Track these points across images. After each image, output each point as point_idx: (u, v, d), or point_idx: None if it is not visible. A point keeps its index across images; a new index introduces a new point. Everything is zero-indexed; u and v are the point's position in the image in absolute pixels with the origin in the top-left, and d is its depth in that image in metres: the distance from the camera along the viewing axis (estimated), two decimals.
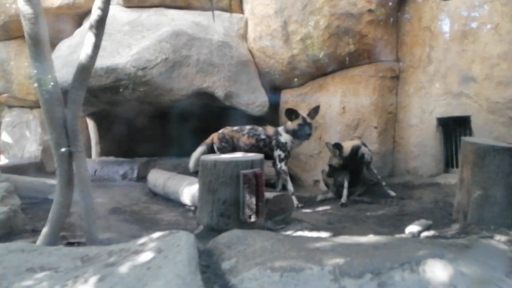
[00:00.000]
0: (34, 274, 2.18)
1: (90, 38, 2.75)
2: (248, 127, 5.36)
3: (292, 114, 5.06)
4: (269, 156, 5.33)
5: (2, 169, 4.56)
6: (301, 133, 5.01)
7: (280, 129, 5.24)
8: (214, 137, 5.37)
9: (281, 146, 5.13)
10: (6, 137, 7.64)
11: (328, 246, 2.23)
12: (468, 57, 4.68)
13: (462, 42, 4.75)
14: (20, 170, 5.36)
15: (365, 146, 5.06)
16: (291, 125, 5.07)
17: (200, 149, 5.32)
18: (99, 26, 2.75)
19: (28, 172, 5.65)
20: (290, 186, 5.14)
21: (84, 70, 2.80)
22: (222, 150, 5.15)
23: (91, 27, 2.74)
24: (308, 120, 5.05)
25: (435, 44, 5.12)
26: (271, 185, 5.56)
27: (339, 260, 1.98)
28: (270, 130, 5.32)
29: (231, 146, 5.23)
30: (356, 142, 5.07)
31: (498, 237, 2.78)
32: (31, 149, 7.30)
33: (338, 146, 4.85)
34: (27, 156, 7.26)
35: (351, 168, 5.00)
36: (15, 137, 7.51)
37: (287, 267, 1.99)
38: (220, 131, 5.39)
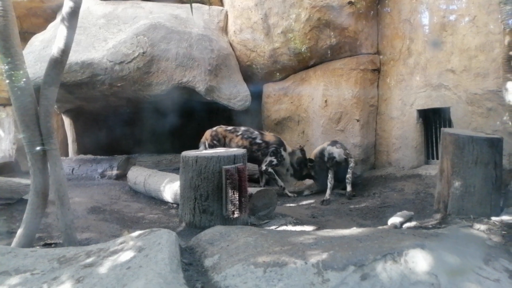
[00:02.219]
0: (8, 278, 2.10)
1: (63, 31, 2.63)
2: (243, 128, 5.36)
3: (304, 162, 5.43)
4: (256, 161, 5.35)
5: None
6: (297, 174, 5.41)
7: (287, 146, 5.39)
8: (207, 134, 5.34)
9: (279, 157, 5.24)
10: None
11: (312, 240, 2.22)
12: (447, 49, 4.73)
13: (441, 34, 4.80)
14: None
15: (339, 147, 5.05)
16: (294, 162, 5.37)
17: (200, 149, 5.26)
18: (72, 19, 2.63)
19: (2, 172, 5.45)
20: (280, 182, 5.24)
21: (57, 64, 2.69)
22: (212, 148, 5.11)
23: (63, 20, 2.63)
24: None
25: (414, 37, 5.16)
26: (254, 181, 5.54)
27: (323, 254, 1.97)
28: (270, 137, 5.37)
29: (222, 145, 5.21)
30: (326, 144, 5.18)
31: (477, 226, 2.83)
32: (5, 148, 7.05)
33: (302, 153, 5.40)
34: (0, 156, 7.00)
35: (326, 167, 5.11)
36: None
37: (270, 262, 1.96)
38: (214, 128, 5.36)
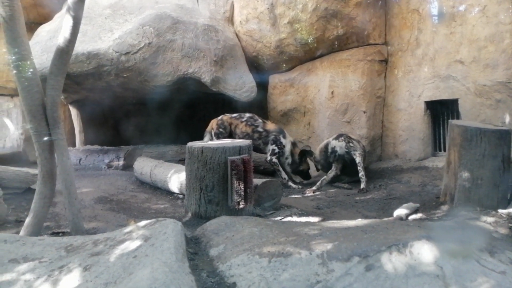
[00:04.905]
0: (17, 265, 2.13)
1: (68, 21, 2.63)
2: (248, 115, 5.39)
3: (305, 155, 5.42)
4: (259, 150, 5.35)
5: None
6: (294, 166, 5.40)
7: (287, 134, 5.37)
8: (213, 123, 5.37)
9: (278, 144, 5.25)
10: None
11: (317, 231, 2.22)
12: (456, 40, 4.66)
13: (450, 25, 4.72)
14: (2, 160, 5.23)
15: (341, 140, 5.03)
16: (295, 153, 5.35)
17: (206, 139, 5.28)
18: (78, 8, 2.63)
19: (10, 161, 5.51)
20: (283, 175, 5.23)
21: (63, 54, 2.69)
22: (218, 136, 5.15)
23: (68, 10, 2.62)
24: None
25: (423, 27, 5.09)
26: (260, 172, 5.54)
27: (327, 244, 1.97)
28: (271, 125, 5.39)
29: (228, 132, 5.25)
30: (331, 138, 5.19)
31: (484, 218, 2.81)
32: (13, 138, 7.12)
33: (308, 152, 5.41)
34: (9, 146, 7.08)
35: (329, 161, 5.15)
36: None
37: (275, 252, 1.97)
38: (219, 117, 5.39)
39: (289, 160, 5.34)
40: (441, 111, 5.12)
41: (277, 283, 1.76)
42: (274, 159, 5.20)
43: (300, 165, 5.39)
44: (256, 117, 5.39)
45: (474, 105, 4.46)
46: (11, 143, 7.11)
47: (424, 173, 4.86)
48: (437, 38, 4.90)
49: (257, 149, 5.32)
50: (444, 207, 3.36)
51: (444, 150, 4.88)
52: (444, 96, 4.84)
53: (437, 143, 5.21)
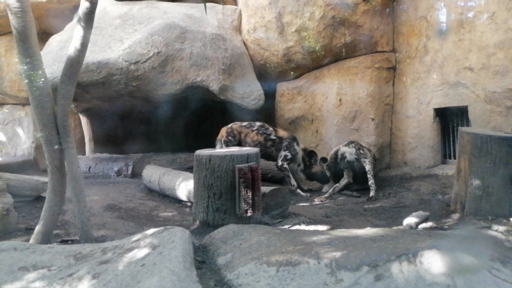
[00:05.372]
0: (26, 273, 2.14)
1: (79, 32, 2.68)
2: (258, 123, 5.41)
3: (312, 157, 5.45)
4: (271, 157, 5.39)
5: None
6: (308, 176, 5.49)
7: (300, 142, 5.46)
8: (223, 131, 5.41)
9: (292, 150, 5.28)
10: None
11: (325, 240, 2.20)
12: (465, 47, 4.63)
13: (458, 32, 4.70)
14: (13, 168, 5.30)
15: (351, 146, 5.06)
16: (305, 159, 5.41)
17: (217, 147, 5.30)
18: (88, 19, 2.68)
19: (21, 170, 5.58)
20: (293, 181, 5.23)
21: (74, 64, 2.74)
22: (227, 144, 5.16)
23: (79, 20, 2.67)
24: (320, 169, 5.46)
25: (431, 34, 5.06)
26: (268, 180, 5.53)
27: (336, 253, 1.95)
28: (283, 132, 5.45)
29: (237, 141, 5.27)
30: (341, 145, 5.22)
31: (495, 227, 2.76)
32: (24, 146, 7.22)
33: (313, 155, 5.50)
34: (20, 154, 7.18)
35: (339, 168, 5.20)
36: (7, 135, 7.42)
37: (283, 261, 1.96)
38: (229, 125, 5.43)
39: (302, 167, 5.39)
40: (450, 118, 5.07)
41: None
42: (286, 165, 5.20)
43: (311, 167, 5.39)
44: (267, 125, 5.42)
45: (484, 112, 4.41)
46: (22, 152, 7.21)
47: (434, 181, 4.81)
48: (445, 45, 4.87)
49: (269, 156, 5.36)
50: (455, 216, 3.32)
51: (454, 158, 4.82)
52: (454, 103, 4.79)
53: (447, 151, 5.15)
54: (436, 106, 5.03)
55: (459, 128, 3.59)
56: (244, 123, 5.41)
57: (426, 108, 5.14)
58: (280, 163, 5.22)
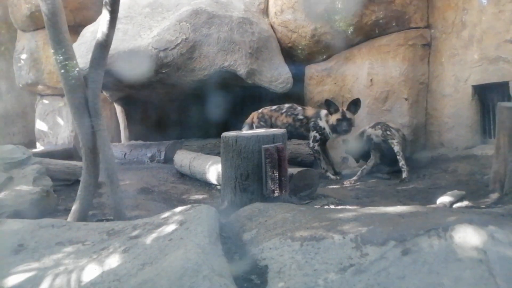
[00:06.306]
0: (63, 247, 2.27)
1: (105, 16, 2.74)
2: (286, 105, 5.33)
3: (330, 107, 4.92)
4: (305, 137, 5.29)
5: (37, 156, 4.74)
6: (339, 129, 4.91)
7: (322, 113, 5.09)
8: (254, 116, 5.40)
9: (318, 129, 5.07)
10: (41, 125, 7.95)
11: (351, 216, 2.16)
12: (506, 19, 4.34)
13: (498, 3, 4.40)
14: (54, 156, 5.55)
15: (378, 128, 4.90)
16: (330, 119, 4.95)
17: (244, 130, 5.32)
18: (114, 3, 2.73)
19: (62, 158, 5.81)
20: (323, 164, 5.10)
21: (102, 48, 2.82)
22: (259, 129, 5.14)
23: (105, 4, 2.73)
24: (348, 115, 4.86)
25: (469, 7, 4.77)
26: (298, 164, 5.47)
27: (362, 229, 1.91)
28: (310, 111, 5.26)
29: (269, 125, 5.23)
30: (367, 126, 5.07)
31: None
32: (64, 135, 7.57)
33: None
34: (60, 143, 7.54)
35: (365, 150, 5.04)
36: (48, 125, 7.81)
37: (307, 236, 1.94)
38: (260, 110, 5.40)
39: (333, 135, 5.08)
40: (490, 96, 4.78)
41: (309, 266, 1.74)
42: (316, 147, 5.08)
43: (336, 125, 4.88)
44: (295, 105, 5.32)
45: None
46: (63, 141, 7.56)
47: (473, 162, 4.58)
48: (484, 18, 4.58)
49: (303, 136, 5.27)
50: (493, 195, 3.15)
51: (494, 137, 4.56)
52: (493, 79, 4.52)
53: (487, 130, 4.88)
54: (475, 83, 4.76)
55: (499, 103, 3.38)
56: (274, 107, 5.37)
57: (464, 86, 4.88)
58: (311, 144, 5.13)
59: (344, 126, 4.84)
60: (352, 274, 1.65)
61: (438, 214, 2.03)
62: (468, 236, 1.69)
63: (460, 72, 4.92)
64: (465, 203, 3.05)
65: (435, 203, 3.25)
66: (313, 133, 5.10)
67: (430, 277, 1.57)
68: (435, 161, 5.00)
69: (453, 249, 1.65)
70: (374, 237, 1.83)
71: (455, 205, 3.02)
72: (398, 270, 1.63)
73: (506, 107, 3.10)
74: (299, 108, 5.29)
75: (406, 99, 5.31)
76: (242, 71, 5.68)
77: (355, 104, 4.91)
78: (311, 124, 5.13)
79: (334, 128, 4.94)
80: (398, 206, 2.50)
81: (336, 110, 4.88)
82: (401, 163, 4.60)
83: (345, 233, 1.91)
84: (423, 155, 5.26)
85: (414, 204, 3.55)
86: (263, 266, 1.84)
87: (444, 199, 3.07)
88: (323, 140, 5.13)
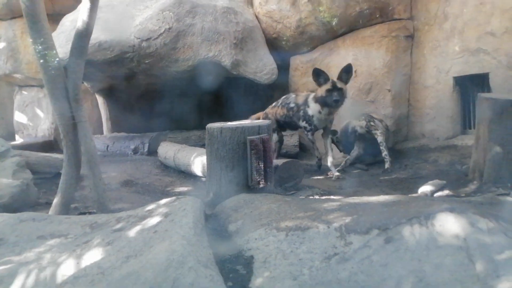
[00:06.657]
0: (44, 241, 2.22)
1: (86, 4, 2.67)
2: (282, 97, 5.08)
3: (320, 77, 4.34)
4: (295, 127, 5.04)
5: (17, 148, 4.62)
6: (329, 101, 4.31)
7: (310, 98, 4.59)
8: (260, 116, 5.21)
9: (307, 119, 4.61)
10: (20, 117, 7.73)
11: (336, 206, 2.19)
12: (487, 11, 4.41)
13: None
14: (34, 149, 5.41)
15: (362, 119, 4.92)
16: (319, 91, 4.40)
17: None
18: None
19: (42, 150, 5.69)
20: (317, 153, 4.86)
21: (82, 37, 2.74)
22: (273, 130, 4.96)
23: None
24: (338, 84, 4.28)
25: None
26: (283, 155, 5.49)
27: (346, 218, 1.94)
28: (300, 97, 4.82)
29: (274, 123, 4.99)
30: (352, 118, 5.10)
31: None
32: (44, 127, 7.38)
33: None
34: (40, 135, 7.35)
35: (350, 141, 5.07)
36: (28, 117, 7.60)
37: (293, 226, 1.96)
38: (265, 111, 5.20)
39: (323, 116, 4.56)
40: (470, 87, 4.88)
41: (294, 255, 1.76)
42: (310, 136, 4.71)
43: (326, 97, 4.37)
44: (290, 95, 5.11)
45: (506, 79, 4.23)
46: (43, 133, 7.38)
47: (453, 152, 4.69)
48: (466, 9, 4.65)
49: (296, 126, 4.94)
50: (473, 185, 3.24)
51: (474, 128, 4.67)
52: (474, 70, 4.61)
53: (467, 121, 4.99)
54: (456, 75, 4.85)
55: (478, 94, 3.45)
56: (273, 103, 5.18)
57: (445, 77, 4.97)
58: (306, 133, 4.77)
59: (334, 96, 4.23)
60: (337, 262, 1.67)
61: (420, 203, 2.07)
62: (448, 224, 1.73)
63: (441, 64, 4.99)
64: (445, 192, 3.12)
65: (416, 192, 3.32)
66: (303, 124, 4.75)
67: (412, 264, 1.61)
68: (416, 152, 5.10)
69: (434, 236, 1.69)
70: (357, 226, 1.85)
71: (436, 194, 3.09)
72: (381, 258, 1.66)
73: (486, 98, 3.17)
74: (292, 96, 5.03)
75: (389, 91, 5.37)
76: (226, 62, 5.64)
77: (346, 72, 4.37)
78: (301, 113, 4.74)
79: (324, 101, 4.37)
80: (381, 196, 2.54)
81: (326, 80, 4.34)
82: (384, 153, 4.66)
83: (329, 223, 1.93)
84: (405, 145, 5.35)
85: (397, 193, 3.61)
86: (248, 256, 1.85)
87: (425, 188, 3.14)
88: (314, 130, 4.71)
